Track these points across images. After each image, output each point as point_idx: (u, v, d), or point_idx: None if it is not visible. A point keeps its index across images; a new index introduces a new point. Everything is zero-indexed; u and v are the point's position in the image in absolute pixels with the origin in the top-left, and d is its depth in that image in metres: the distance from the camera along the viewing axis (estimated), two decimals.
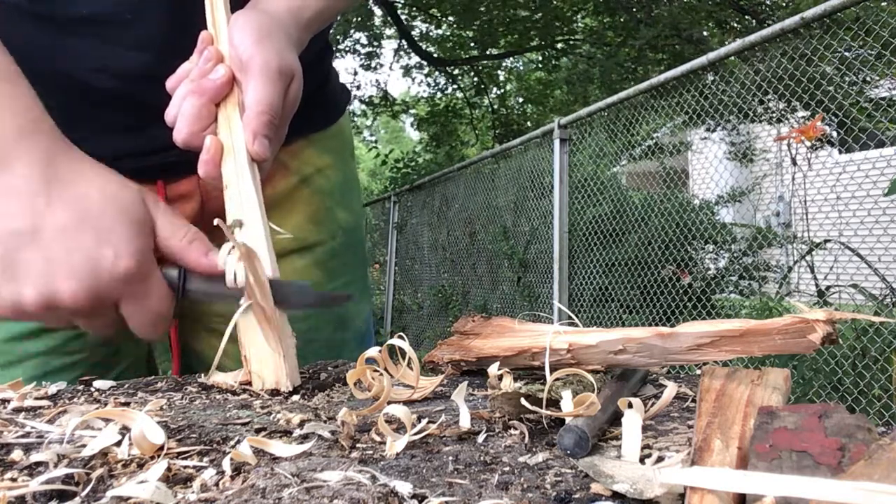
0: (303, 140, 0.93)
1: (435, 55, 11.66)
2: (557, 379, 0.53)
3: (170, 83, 0.70)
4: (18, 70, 0.65)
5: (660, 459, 0.42)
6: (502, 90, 13.11)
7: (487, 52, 11.55)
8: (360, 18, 10.78)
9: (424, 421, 0.49)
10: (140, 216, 0.63)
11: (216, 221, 0.61)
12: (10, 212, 0.60)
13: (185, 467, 0.41)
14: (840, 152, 3.72)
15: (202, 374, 0.68)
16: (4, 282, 0.59)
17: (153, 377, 0.70)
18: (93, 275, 0.59)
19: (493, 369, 0.57)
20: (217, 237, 0.66)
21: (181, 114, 0.68)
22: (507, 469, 0.41)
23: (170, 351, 0.95)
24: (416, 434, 0.47)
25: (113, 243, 0.60)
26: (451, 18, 10.93)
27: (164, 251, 0.64)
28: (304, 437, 0.47)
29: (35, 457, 0.42)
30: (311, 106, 0.90)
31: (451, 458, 0.43)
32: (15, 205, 0.60)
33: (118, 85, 0.78)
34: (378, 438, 0.47)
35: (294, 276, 0.92)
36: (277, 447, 0.43)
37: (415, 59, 12.28)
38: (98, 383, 0.65)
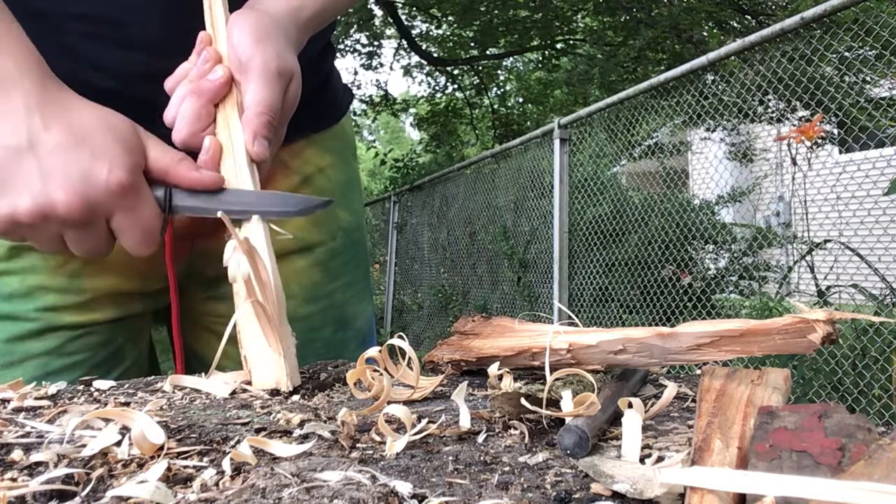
0: (304, 140, 0.93)
1: (435, 55, 11.66)
2: (557, 379, 0.53)
3: (168, 84, 0.71)
4: (8, 12, 0.68)
5: (660, 459, 0.42)
6: (502, 90, 13.11)
7: (487, 52, 11.55)
8: (360, 19, 10.78)
9: (424, 421, 0.49)
10: (132, 137, 0.66)
11: (219, 214, 0.62)
12: (7, 129, 0.63)
13: (185, 467, 0.41)
14: (840, 152, 3.72)
15: (203, 374, 0.68)
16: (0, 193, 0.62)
17: (153, 377, 0.70)
18: (87, 185, 0.62)
19: (493, 369, 0.57)
20: (219, 236, 0.66)
21: (180, 114, 0.68)
22: (507, 469, 0.41)
23: (171, 351, 0.95)
24: (416, 434, 0.47)
25: (107, 158, 0.63)
26: (451, 18, 10.92)
27: (154, 170, 0.67)
28: (304, 437, 0.47)
29: (35, 457, 0.42)
30: (313, 106, 0.90)
31: (451, 458, 0.43)
32: (11, 123, 0.63)
33: (117, 85, 0.78)
34: (378, 438, 0.47)
35: (295, 276, 0.92)
36: (277, 447, 0.43)
37: (415, 58, 12.29)
38: (98, 383, 0.65)
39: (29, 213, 0.62)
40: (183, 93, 0.69)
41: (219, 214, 0.63)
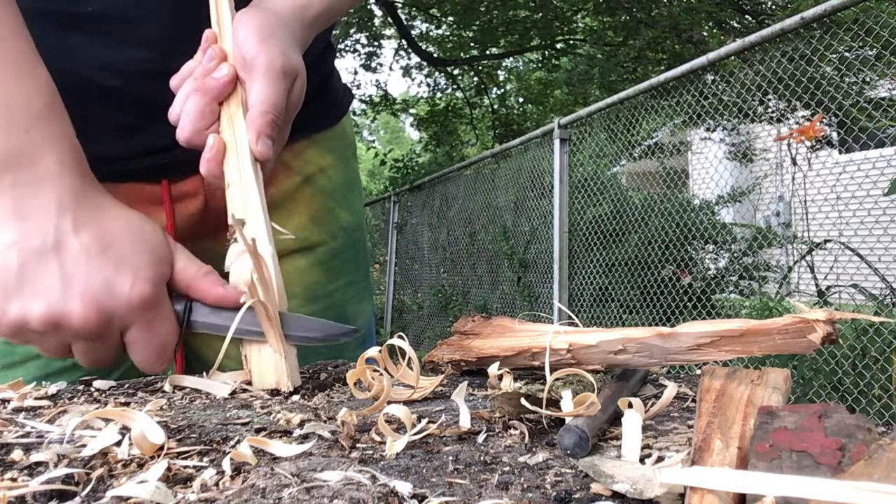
0: (305, 140, 0.93)
1: (435, 55, 11.67)
2: (557, 379, 0.53)
3: (173, 82, 0.70)
4: (62, 104, 0.66)
5: (660, 459, 0.42)
6: (502, 90, 13.12)
7: (487, 52, 11.55)
8: (360, 19, 10.78)
9: (424, 421, 0.49)
10: (161, 247, 0.64)
11: (231, 220, 0.61)
12: (35, 229, 0.60)
13: (185, 467, 0.41)
14: (840, 152, 3.72)
15: (204, 374, 0.68)
16: (13, 294, 0.59)
17: (153, 377, 0.70)
18: (108, 297, 0.60)
19: (493, 369, 0.57)
20: (220, 237, 0.66)
21: (184, 112, 0.68)
22: (507, 469, 0.41)
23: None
24: (416, 434, 0.47)
25: (132, 269, 0.61)
26: (451, 18, 10.93)
27: (178, 283, 0.65)
28: (304, 437, 0.47)
29: (35, 457, 0.42)
30: (314, 106, 0.90)
31: (451, 458, 0.43)
32: (41, 223, 0.60)
33: (124, 83, 0.78)
34: (378, 438, 0.47)
35: (296, 275, 0.92)
36: (277, 447, 0.43)
37: (415, 59, 12.29)
38: (98, 383, 0.65)
39: (41, 319, 0.59)
40: (187, 91, 0.68)
41: (230, 220, 0.62)
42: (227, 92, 0.69)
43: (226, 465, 0.40)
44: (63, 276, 0.59)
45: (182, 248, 0.67)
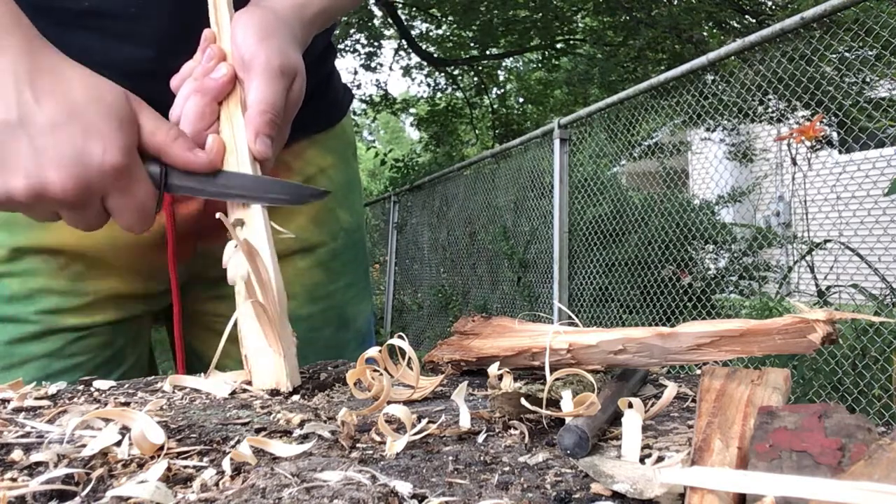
0: (305, 140, 0.93)
1: (435, 55, 11.66)
2: (557, 379, 0.53)
3: (174, 82, 0.70)
4: None
5: (660, 459, 0.42)
6: (502, 90, 13.12)
7: (487, 52, 11.55)
8: (360, 19, 10.78)
9: (424, 421, 0.49)
10: (125, 112, 0.64)
11: (218, 215, 0.62)
12: None
13: (185, 467, 0.41)
14: (840, 152, 3.72)
15: (203, 374, 0.68)
16: None
17: (153, 377, 0.70)
18: (81, 167, 0.61)
19: (493, 369, 0.57)
20: (221, 237, 0.66)
21: (184, 113, 0.68)
22: (507, 469, 0.41)
23: (171, 351, 0.95)
24: (416, 434, 0.47)
25: (101, 137, 0.61)
26: (451, 18, 10.93)
27: (148, 147, 0.65)
28: (304, 437, 0.47)
29: (35, 457, 0.42)
30: (314, 106, 0.90)
31: (451, 458, 0.43)
32: (1, 96, 0.61)
33: (123, 82, 0.77)
34: (378, 438, 0.47)
35: (296, 276, 0.92)
36: (277, 447, 0.43)
37: (415, 58, 12.29)
38: (98, 383, 0.65)
39: (24, 193, 0.60)
40: (187, 91, 0.68)
41: (218, 215, 0.62)
42: (226, 92, 0.69)
43: (226, 465, 0.40)
44: (34, 149, 0.60)
45: (147, 108, 0.66)
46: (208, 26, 0.74)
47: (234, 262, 0.64)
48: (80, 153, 0.61)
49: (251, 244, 0.62)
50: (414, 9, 11.32)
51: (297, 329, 0.66)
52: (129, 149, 0.63)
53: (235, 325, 0.63)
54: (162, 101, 0.69)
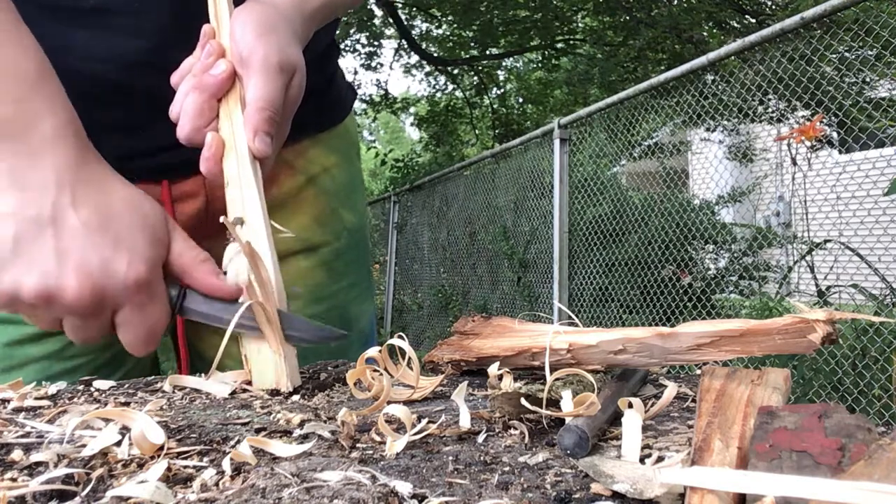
0: (308, 139, 0.93)
1: (435, 55, 11.67)
2: (557, 379, 0.53)
3: (174, 79, 0.70)
4: (53, 70, 0.65)
5: (660, 459, 0.42)
6: (502, 90, 13.12)
7: (487, 52, 11.55)
8: (360, 19, 10.78)
9: (424, 421, 0.49)
10: (159, 230, 0.64)
11: (221, 219, 0.61)
12: (33, 200, 0.59)
13: (185, 467, 0.41)
14: (840, 152, 3.72)
15: (201, 375, 0.68)
16: (7, 265, 0.58)
17: (153, 377, 0.70)
18: (103, 276, 0.59)
19: (493, 369, 0.57)
20: (222, 237, 0.66)
21: (184, 110, 0.67)
22: (507, 469, 0.41)
23: (171, 350, 0.95)
24: (416, 434, 0.47)
25: (129, 249, 0.60)
26: (451, 18, 10.92)
27: (174, 267, 0.64)
28: (304, 437, 0.47)
29: (35, 457, 0.42)
30: (318, 105, 0.89)
31: (451, 458, 0.43)
32: (39, 195, 0.60)
33: (123, 76, 0.77)
34: (378, 438, 0.47)
35: (299, 276, 0.92)
36: (277, 447, 0.43)
37: (415, 58, 12.30)
38: (98, 383, 0.65)
39: (34, 292, 0.58)
40: (187, 88, 0.68)
41: (222, 219, 0.62)
42: (225, 88, 0.68)
43: (226, 465, 0.40)
44: (59, 250, 0.59)
45: (180, 230, 0.66)
46: (209, 20, 0.73)
47: (233, 267, 0.63)
48: (105, 262, 0.59)
49: (252, 247, 0.61)
50: (414, 8, 11.32)
51: None
52: (155, 265, 0.62)
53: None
54: (162, 95, 0.69)
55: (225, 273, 0.65)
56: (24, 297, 0.58)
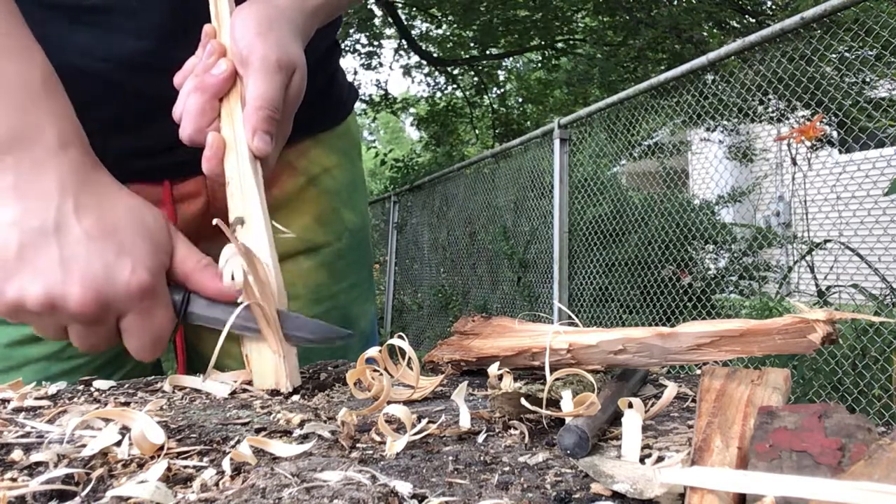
0: (310, 139, 0.93)
1: (435, 55, 11.66)
2: (557, 379, 0.53)
3: (177, 79, 0.70)
4: (58, 79, 0.66)
5: (660, 459, 0.42)
6: (502, 90, 13.12)
7: (487, 52, 11.55)
8: (360, 19, 10.78)
9: (424, 421, 0.49)
10: (162, 237, 0.64)
11: (215, 221, 0.61)
12: (37, 209, 0.60)
13: (185, 467, 0.41)
14: (840, 152, 3.72)
15: (199, 375, 0.68)
16: (12, 274, 0.59)
17: (153, 377, 0.70)
18: (107, 283, 0.59)
19: (493, 369, 0.57)
20: (223, 238, 0.66)
21: (185, 110, 0.67)
22: (507, 469, 0.41)
23: (173, 351, 0.95)
24: (416, 434, 0.47)
25: (132, 256, 0.61)
26: (451, 18, 10.92)
27: (177, 273, 0.65)
28: (304, 437, 0.47)
29: (35, 457, 0.42)
30: (319, 104, 0.89)
31: (451, 458, 0.43)
32: (43, 204, 0.60)
33: (124, 76, 0.77)
34: (378, 438, 0.47)
35: (300, 277, 0.92)
36: (277, 447, 0.43)
37: (415, 58, 12.29)
38: (98, 383, 0.65)
39: (38, 301, 0.58)
40: (189, 88, 0.68)
41: (215, 222, 0.62)
42: (225, 88, 0.68)
43: (226, 465, 0.40)
44: (63, 258, 0.59)
45: (182, 236, 0.66)
46: (209, 19, 0.73)
47: (229, 267, 0.63)
48: (108, 269, 0.60)
49: (247, 247, 0.61)
50: (414, 8, 11.32)
51: None
52: (159, 271, 0.62)
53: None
54: (162, 95, 0.69)
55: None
56: (28, 305, 0.59)
